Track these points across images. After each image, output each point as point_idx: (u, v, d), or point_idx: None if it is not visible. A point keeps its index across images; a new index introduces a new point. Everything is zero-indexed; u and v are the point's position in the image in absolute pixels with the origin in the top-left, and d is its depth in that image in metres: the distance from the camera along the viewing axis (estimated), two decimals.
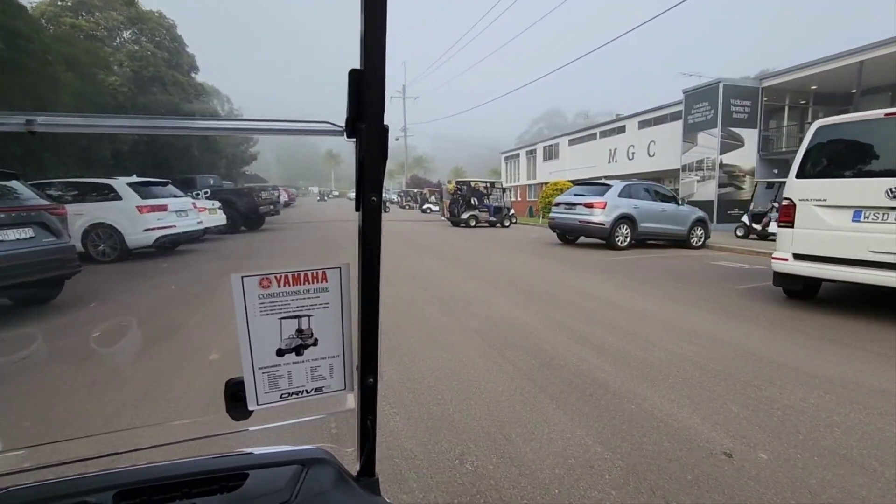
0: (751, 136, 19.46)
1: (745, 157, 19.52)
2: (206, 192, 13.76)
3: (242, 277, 0.61)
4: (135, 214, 8.75)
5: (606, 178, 28.45)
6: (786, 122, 20.03)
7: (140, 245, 8.75)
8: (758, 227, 13.66)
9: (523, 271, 7.45)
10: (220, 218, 12.35)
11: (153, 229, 8.80)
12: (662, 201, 10.99)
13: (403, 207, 38.67)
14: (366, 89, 0.54)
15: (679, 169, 21.34)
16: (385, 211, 31.23)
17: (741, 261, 9.23)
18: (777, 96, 19.69)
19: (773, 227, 13.26)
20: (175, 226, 9.15)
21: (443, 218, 22.59)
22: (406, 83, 51.09)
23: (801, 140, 17.69)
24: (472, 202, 16.65)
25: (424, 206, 31.49)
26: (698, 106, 20.27)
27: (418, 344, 3.83)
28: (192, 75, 20.02)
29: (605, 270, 7.59)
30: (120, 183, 8.93)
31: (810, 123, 17.18)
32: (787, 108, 20.03)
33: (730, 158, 19.40)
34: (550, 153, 36.89)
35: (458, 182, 17.86)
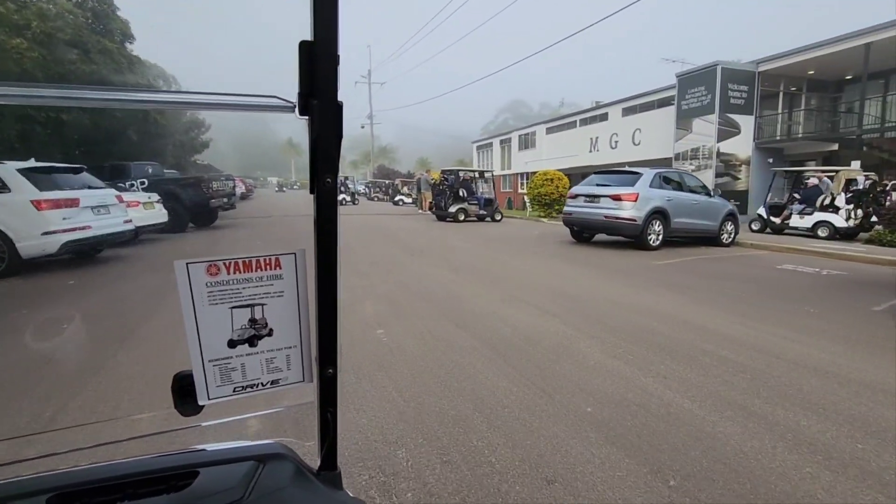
0: (747, 124, 18.46)
1: (742, 145, 18.52)
2: (142, 183, 11.31)
3: (187, 264, 0.58)
4: (30, 211, 6.42)
5: (588, 168, 27.28)
6: (780, 110, 19.14)
7: (39, 254, 6.42)
8: (776, 220, 12.47)
9: (571, 287, 5.67)
10: (159, 214, 9.97)
11: (58, 232, 6.50)
12: (691, 192, 9.48)
13: (372, 199, 36.33)
14: (318, 63, 0.51)
15: (671, 158, 20.17)
16: (354, 203, 28.89)
17: (799, 262, 7.81)
18: (771, 82, 18.75)
19: (794, 221, 12.11)
20: (90, 226, 6.85)
21: (421, 211, 20.61)
22: (371, 68, 48.34)
23: (790, 129, 16.74)
24: (461, 194, 14.73)
25: (397, 198, 29.34)
26: (693, 91, 19.09)
27: (508, 466, 1.95)
28: (127, 45, 17.05)
29: (671, 283, 5.92)
30: (8, 169, 6.52)
31: (802, 111, 16.19)
32: (781, 95, 19.14)
33: (726, 147, 18.35)
34: (526, 142, 35.42)
35: (444, 171, 15.90)
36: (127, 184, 10.89)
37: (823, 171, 12.49)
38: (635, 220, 8.39)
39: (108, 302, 4.65)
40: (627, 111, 25.15)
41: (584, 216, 9.16)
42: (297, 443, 0.70)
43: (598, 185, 9.16)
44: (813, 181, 12.30)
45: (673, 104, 21.90)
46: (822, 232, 11.43)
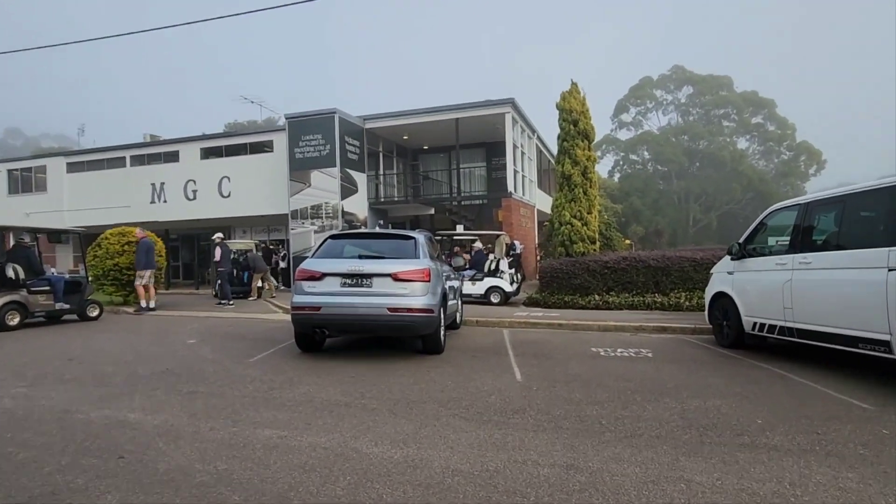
0: (362, 182, 16.91)
1: (360, 204, 16.73)
2: None
3: None
4: None
5: (155, 224, 19.34)
6: (382, 171, 18.83)
7: None
8: None
9: None
10: None
11: None
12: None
13: None
14: None
15: (287, 215, 16.05)
16: None
17: (595, 342, 5.24)
18: (372, 142, 18.17)
19: (467, 288, 10.49)
20: None
21: None
22: None
23: (401, 191, 16.26)
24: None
25: None
26: (309, 138, 15.88)
27: None
28: None
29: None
30: None
31: (399, 174, 15.96)
32: (381, 156, 18.90)
33: (348, 205, 16.04)
34: (30, 182, 22.50)
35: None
36: None
37: (480, 236, 11.71)
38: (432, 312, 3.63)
39: None
40: (209, 153, 19.26)
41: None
42: None
43: (360, 256, 3.77)
44: (478, 245, 11.16)
45: (270, 150, 18.09)
46: (494, 298, 10.21)
